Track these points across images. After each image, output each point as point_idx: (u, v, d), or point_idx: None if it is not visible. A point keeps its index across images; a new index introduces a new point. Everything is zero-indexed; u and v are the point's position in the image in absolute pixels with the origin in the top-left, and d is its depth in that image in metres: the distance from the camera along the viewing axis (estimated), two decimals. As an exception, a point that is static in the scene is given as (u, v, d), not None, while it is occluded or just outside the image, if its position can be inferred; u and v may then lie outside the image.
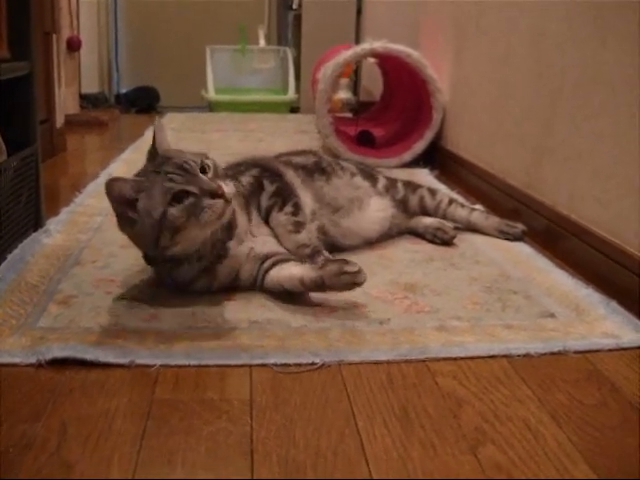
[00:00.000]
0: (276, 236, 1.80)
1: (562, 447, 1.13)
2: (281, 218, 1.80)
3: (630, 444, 1.15)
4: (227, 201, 1.53)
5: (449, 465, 1.07)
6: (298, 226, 1.80)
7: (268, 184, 1.85)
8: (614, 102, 1.86)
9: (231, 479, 1.02)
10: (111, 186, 1.52)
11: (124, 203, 1.53)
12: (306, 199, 1.93)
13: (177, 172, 1.52)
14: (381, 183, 2.22)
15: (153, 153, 1.61)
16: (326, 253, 1.79)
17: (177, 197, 1.50)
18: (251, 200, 1.80)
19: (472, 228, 2.24)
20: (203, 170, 1.55)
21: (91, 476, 1.02)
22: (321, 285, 1.62)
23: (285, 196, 1.84)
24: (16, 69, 2.02)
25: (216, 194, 1.51)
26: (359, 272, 1.60)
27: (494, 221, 2.24)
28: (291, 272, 1.67)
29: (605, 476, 1.06)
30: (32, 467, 1.03)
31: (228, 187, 1.54)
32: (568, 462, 1.09)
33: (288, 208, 1.82)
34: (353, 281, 1.60)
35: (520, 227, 2.20)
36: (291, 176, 1.97)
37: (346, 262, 1.62)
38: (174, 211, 1.50)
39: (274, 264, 1.70)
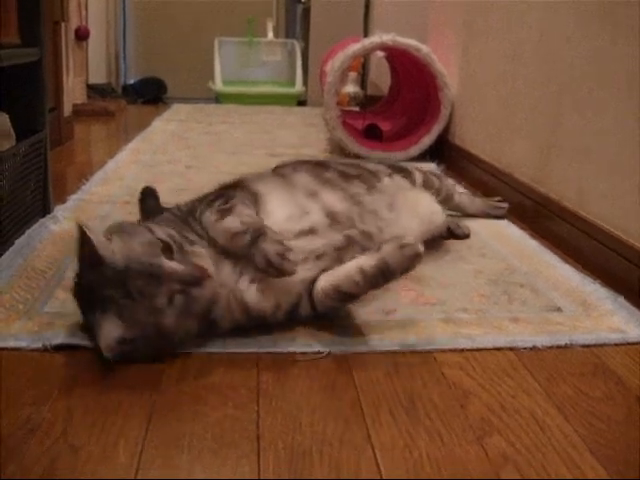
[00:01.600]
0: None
1: (568, 438, 1.13)
2: (206, 214, 1.43)
3: (636, 437, 1.15)
4: (210, 276, 1.30)
5: (455, 454, 1.07)
6: (223, 213, 1.41)
7: (213, 193, 1.55)
8: (622, 97, 1.85)
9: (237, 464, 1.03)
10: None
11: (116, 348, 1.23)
12: (328, 198, 1.63)
13: (148, 282, 1.25)
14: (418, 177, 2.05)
15: (91, 260, 1.26)
16: (273, 231, 1.39)
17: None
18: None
19: (458, 210, 2.29)
20: (168, 250, 1.30)
21: (97, 459, 1.02)
22: (385, 270, 1.37)
23: (222, 194, 1.51)
24: (26, 55, 2.02)
25: (201, 279, 1.28)
26: (415, 242, 1.38)
27: (479, 203, 2.34)
28: (345, 270, 1.41)
29: (611, 467, 1.06)
30: (37, 450, 1.03)
31: (202, 257, 1.33)
32: (574, 453, 1.09)
33: (218, 202, 1.46)
34: (415, 252, 1.37)
35: (504, 206, 2.32)
36: (283, 179, 1.69)
37: (395, 236, 1.41)
38: (173, 320, 1.27)
39: (314, 280, 1.44)
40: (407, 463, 1.04)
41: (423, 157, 3.29)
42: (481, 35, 3.02)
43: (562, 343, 1.46)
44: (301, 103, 5.70)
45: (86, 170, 2.83)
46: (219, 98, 5.60)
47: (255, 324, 1.41)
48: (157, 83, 6.06)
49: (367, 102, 4.92)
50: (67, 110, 3.62)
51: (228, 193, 1.51)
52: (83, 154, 3.51)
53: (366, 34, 5.22)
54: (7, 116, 1.94)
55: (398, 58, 3.68)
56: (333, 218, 1.58)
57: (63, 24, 3.56)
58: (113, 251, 1.26)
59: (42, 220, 2.09)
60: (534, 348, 1.44)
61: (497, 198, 2.41)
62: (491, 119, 2.86)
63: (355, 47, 3.27)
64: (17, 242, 1.88)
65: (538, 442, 1.12)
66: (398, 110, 3.84)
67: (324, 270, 1.45)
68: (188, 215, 1.48)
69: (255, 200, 1.53)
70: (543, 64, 2.36)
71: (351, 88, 5.12)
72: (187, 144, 3.61)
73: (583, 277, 1.82)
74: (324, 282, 1.42)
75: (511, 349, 1.43)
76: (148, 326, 1.24)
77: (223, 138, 3.84)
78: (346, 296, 1.42)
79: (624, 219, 1.82)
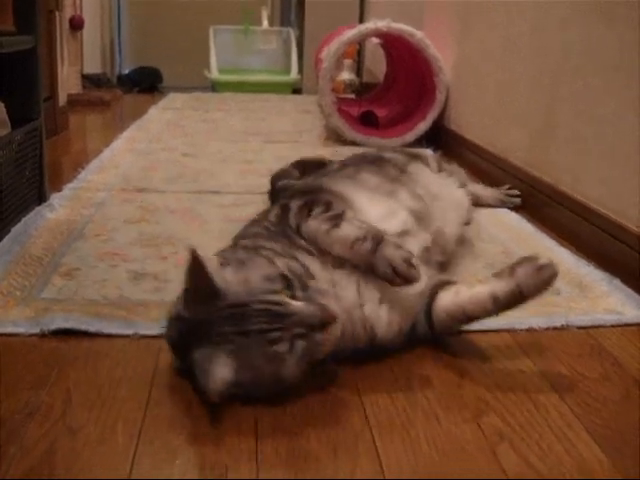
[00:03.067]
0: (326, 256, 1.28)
1: (564, 418, 1.14)
2: (310, 224, 1.30)
3: (632, 417, 1.16)
4: (336, 318, 1.13)
5: (452, 433, 1.08)
6: (335, 219, 1.28)
7: (295, 201, 1.39)
8: (617, 83, 1.86)
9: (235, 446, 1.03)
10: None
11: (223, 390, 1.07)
12: (404, 196, 1.56)
13: (269, 323, 1.10)
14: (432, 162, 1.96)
15: (205, 292, 1.12)
16: (392, 237, 1.28)
17: None
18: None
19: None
20: (290, 287, 1.16)
21: (96, 441, 1.02)
22: (518, 296, 1.26)
23: (313, 200, 1.37)
24: (21, 42, 2.02)
25: (328, 322, 1.12)
26: (551, 262, 1.26)
27: (493, 192, 2.34)
28: (473, 293, 1.29)
29: (606, 446, 1.06)
30: (37, 433, 1.04)
31: (326, 296, 1.19)
32: (570, 432, 1.10)
33: (317, 210, 1.33)
34: (553, 273, 1.25)
35: (517, 193, 2.34)
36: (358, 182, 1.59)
37: (529, 257, 1.28)
38: (291, 370, 1.11)
39: (431, 297, 1.33)
40: (404, 442, 1.05)
41: (419, 143, 3.28)
42: (476, 20, 3.02)
43: (558, 324, 1.47)
44: (296, 91, 5.70)
45: (82, 159, 2.83)
46: (215, 87, 5.60)
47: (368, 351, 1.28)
48: (152, 72, 6.05)
49: (363, 89, 4.91)
50: (62, 100, 3.61)
51: (319, 198, 1.38)
52: (78, 143, 3.51)
53: (361, 21, 5.21)
54: (2, 104, 1.94)
55: (393, 44, 3.68)
56: (416, 217, 1.50)
57: (57, 13, 3.54)
58: (228, 282, 1.13)
59: (38, 208, 2.09)
60: (530, 329, 1.44)
61: (506, 186, 2.39)
62: (486, 104, 2.86)
63: (350, 33, 3.27)
64: (13, 230, 1.89)
65: (534, 421, 1.12)
66: (394, 97, 3.84)
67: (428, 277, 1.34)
68: (282, 227, 1.34)
69: (346, 204, 1.42)
70: (539, 48, 2.36)
71: (346, 75, 5.11)
72: (183, 132, 3.60)
73: (578, 259, 1.83)
74: (448, 302, 1.31)
75: (507, 330, 1.43)
76: (264, 371, 1.09)
77: (219, 126, 3.84)
78: (471, 320, 1.32)
79: (619, 202, 1.83)
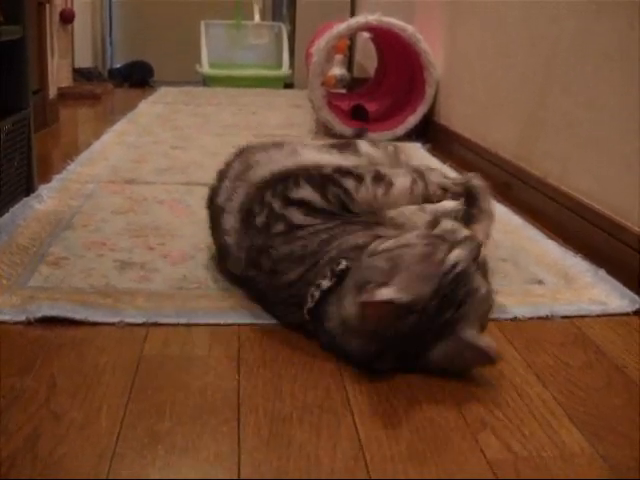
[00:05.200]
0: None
1: (547, 405, 1.14)
2: (363, 196, 1.37)
3: (615, 404, 1.17)
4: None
5: (434, 420, 1.08)
6: (378, 180, 1.39)
7: (311, 193, 1.39)
8: (607, 73, 1.86)
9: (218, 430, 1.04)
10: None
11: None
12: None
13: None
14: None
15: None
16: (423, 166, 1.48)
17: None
18: None
19: None
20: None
21: (79, 425, 1.03)
22: None
23: (331, 180, 1.40)
24: (9, 32, 2.01)
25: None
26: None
27: None
28: None
29: (588, 433, 1.07)
30: (21, 417, 1.04)
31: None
32: (552, 419, 1.11)
33: (349, 182, 1.38)
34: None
35: None
36: None
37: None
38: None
39: None
40: (386, 428, 1.05)
41: (409, 137, 3.29)
42: (467, 13, 3.02)
43: (543, 314, 1.48)
44: (288, 86, 5.69)
45: (71, 151, 2.82)
46: (206, 81, 5.59)
47: None
48: (144, 67, 6.02)
49: (354, 84, 4.91)
50: (52, 92, 3.60)
51: (328, 176, 1.41)
52: (68, 136, 3.50)
53: (353, 16, 5.20)
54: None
55: (384, 39, 3.68)
56: None
57: (47, 6, 3.53)
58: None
59: (26, 199, 2.08)
60: (515, 319, 1.45)
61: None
62: (476, 98, 2.87)
63: (340, 27, 3.27)
64: (1, 220, 1.88)
65: (517, 408, 1.13)
66: (384, 91, 3.85)
67: None
68: (334, 220, 1.34)
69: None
70: (528, 41, 2.37)
71: (338, 70, 5.10)
72: (173, 125, 3.60)
73: (565, 251, 1.84)
74: None
75: (492, 320, 1.42)
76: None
77: (210, 120, 3.83)
78: None
79: (606, 194, 1.84)
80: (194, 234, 1.84)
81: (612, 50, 1.84)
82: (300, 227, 1.32)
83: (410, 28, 3.23)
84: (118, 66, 6.16)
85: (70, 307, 1.38)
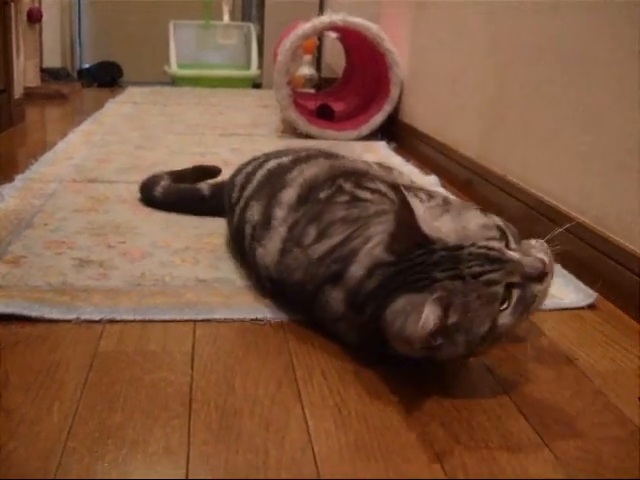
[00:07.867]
0: None
1: (497, 398, 1.16)
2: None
3: (564, 395, 1.19)
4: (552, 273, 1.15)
5: (384, 412, 1.10)
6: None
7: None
8: (565, 72, 1.89)
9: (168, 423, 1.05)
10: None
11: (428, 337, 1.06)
12: None
13: (485, 266, 1.08)
14: None
15: (414, 240, 1.12)
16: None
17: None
18: None
19: None
20: (505, 237, 1.15)
21: (31, 421, 1.03)
22: None
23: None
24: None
25: (545, 274, 1.13)
26: None
27: None
28: None
29: (537, 424, 1.09)
30: (-28, 414, 1.05)
31: (540, 250, 1.16)
32: (501, 411, 1.12)
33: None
34: None
35: None
36: None
37: None
38: (506, 319, 1.09)
39: None
40: (336, 420, 1.07)
41: (374, 136, 3.31)
42: (430, 12, 3.05)
43: (497, 308, 1.49)
44: (256, 86, 5.71)
45: (37, 151, 2.81)
46: (175, 81, 5.59)
47: None
48: (113, 67, 6.01)
49: (322, 84, 4.93)
50: (18, 92, 3.58)
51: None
52: (34, 136, 3.49)
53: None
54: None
55: (350, 39, 3.70)
56: None
57: (13, 4, 3.52)
58: (439, 228, 1.12)
59: (-13, 199, 2.08)
60: (469, 313, 1.47)
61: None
62: (438, 96, 2.90)
63: (305, 27, 3.28)
64: (-40, 219, 1.88)
65: (466, 401, 1.15)
66: (351, 90, 3.87)
67: None
68: None
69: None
70: (489, 39, 2.39)
71: (306, 70, 5.11)
72: (140, 125, 3.59)
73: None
74: None
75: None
76: (479, 313, 1.07)
77: (176, 120, 3.83)
78: None
79: (563, 191, 1.86)
80: (154, 232, 1.85)
81: (569, 48, 1.86)
82: (365, 200, 1.32)
83: (375, 27, 3.26)
84: (87, 66, 6.14)
85: (26, 305, 1.38)
